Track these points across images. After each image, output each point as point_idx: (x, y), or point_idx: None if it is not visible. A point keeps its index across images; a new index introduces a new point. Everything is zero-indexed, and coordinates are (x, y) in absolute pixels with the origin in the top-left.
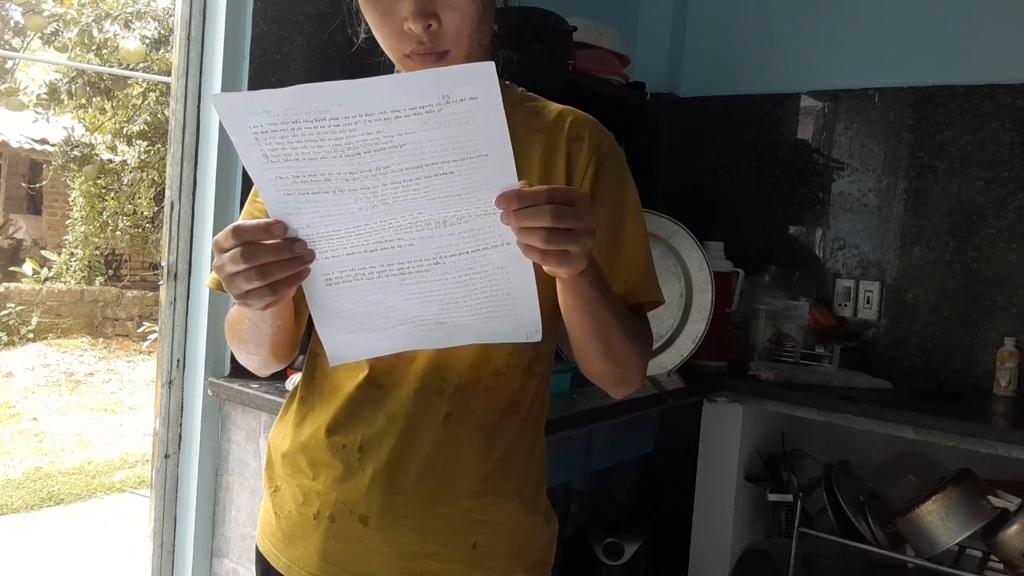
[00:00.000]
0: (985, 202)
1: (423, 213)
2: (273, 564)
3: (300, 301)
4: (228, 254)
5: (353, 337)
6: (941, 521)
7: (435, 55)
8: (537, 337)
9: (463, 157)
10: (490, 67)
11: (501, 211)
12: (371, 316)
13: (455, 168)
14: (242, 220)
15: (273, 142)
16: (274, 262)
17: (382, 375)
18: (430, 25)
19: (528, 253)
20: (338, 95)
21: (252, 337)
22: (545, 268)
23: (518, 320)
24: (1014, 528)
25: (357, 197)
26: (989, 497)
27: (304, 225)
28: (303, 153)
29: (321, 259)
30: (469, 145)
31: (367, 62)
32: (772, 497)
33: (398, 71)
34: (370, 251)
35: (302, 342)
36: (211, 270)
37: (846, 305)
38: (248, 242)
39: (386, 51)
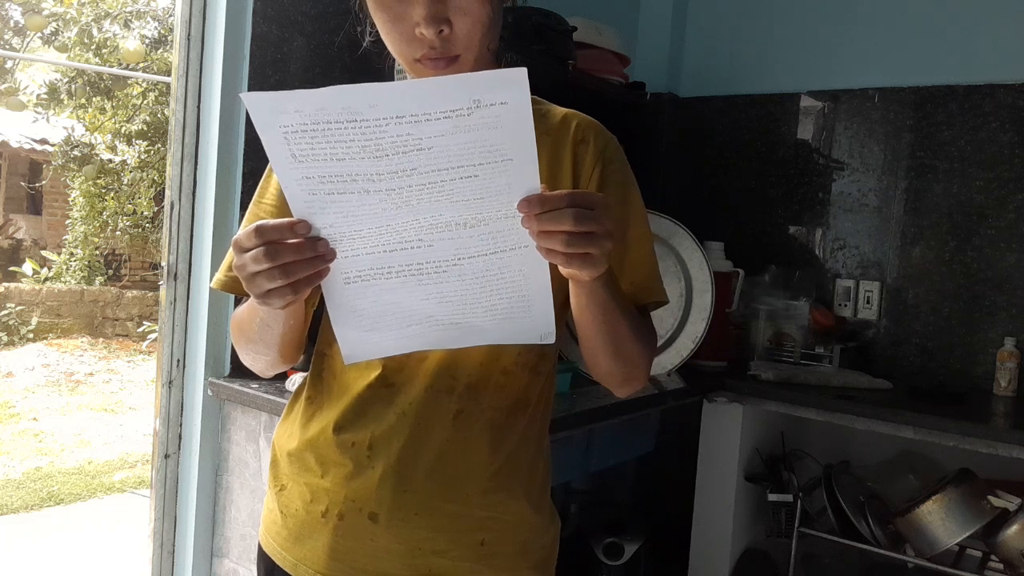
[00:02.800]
0: (985, 202)
1: (444, 215)
2: (279, 563)
3: (309, 302)
4: (250, 253)
5: (369, 336)
6: (941, 521)
7: (446, 59)
8: (551, 339)
9: (488, 161)
10: (522, 73)
11: (522, 215)
12: (387, 315)
13: (480, 171)
14: (264, 220)
15: (302, 142)
16: (297, 261)
17: (394, 374)
18: (442, 30)
19: (549, 256)
20: (370, 97)
21: (262, 337)
22: (564, 271)
23: (533, 322)
24: (1014, 528)
25: (381, 198)
26: (989, 497)
27: (327, 225)
28: (331, 154)
29: (341, 258)
30: (495, 149)
31: (375, 65)
32: (772, 497)
33: (399, 69)
34: (390, 251)
35: (306, 343)
36: (216, 271)
37: (846, 305)
38: (271, 241)
39: (395, 55)
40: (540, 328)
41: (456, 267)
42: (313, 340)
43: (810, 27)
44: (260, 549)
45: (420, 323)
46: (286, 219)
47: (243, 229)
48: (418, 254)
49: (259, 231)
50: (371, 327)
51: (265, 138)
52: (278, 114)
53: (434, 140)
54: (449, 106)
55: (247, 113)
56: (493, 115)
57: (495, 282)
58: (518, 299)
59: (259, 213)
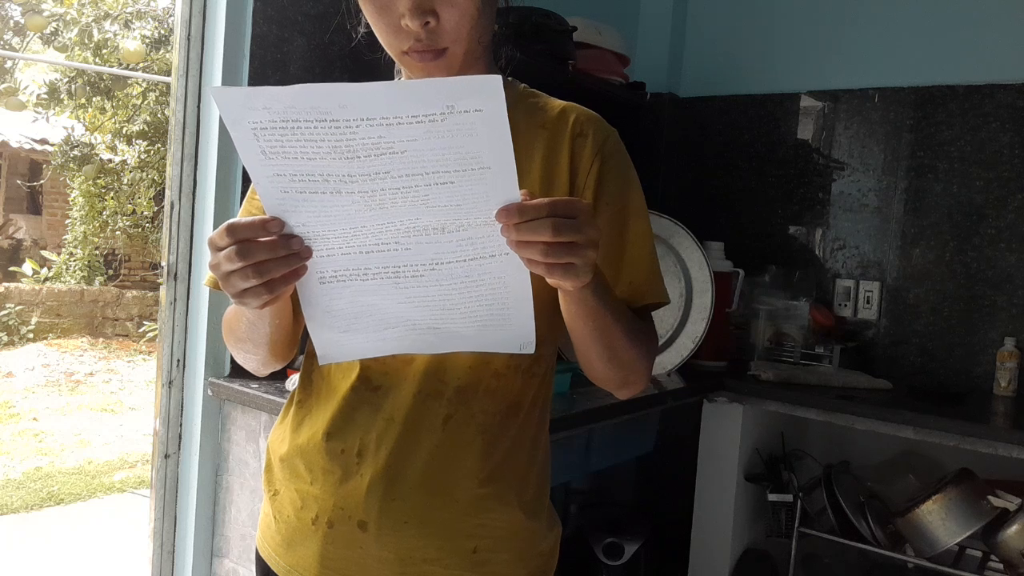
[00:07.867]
0: (985, 202)
1: (421, 219)
2: (273, 568)
3: (298, 300)
4: (223, 252)
5: (343, 337)
6: (941, 521)
7: (433, 52)
8: (530, 349)
9: (465, 168)
10: (496, 80)
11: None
12: (363, 317)
13: (456, 178)
14: (237, 218)
15: (272, 139)
16: (270, 259)
17: (379, 376)
18: (428, 22)
19: (530, 266)
20: (339, 97)
21: (250, 337)
22: (549, 281)
23: (512, 331)
24: (1014, 528)
25: (355, 200)
26: (989, 497)
27: (300, 223)
28: (302, 152)
29: (316, 257)
30: (471, 157)
31: (365, 57)
32: (772, 497)
33: (398, 69)
34: (366, 252)
35: (300, 341)
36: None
37: (846, 305)
38: (243, 239)
39: (384, 47)
40: (520, 337)
41: (434, 271)
42: None
43: (810, 27)
44: (257, 552)
45: (396, 326)
46: (258, 217)
47: (217, 228)
48: (395, 256)
49: (231, 229)
50: (346, 328)
51: (234, 134)
52: (247, 110)
53: (407, 144)
54: (421, 110)
55: None
56: (468, 122)
57: (474, 288)
58: (497, 307)
59: (251, 211)
